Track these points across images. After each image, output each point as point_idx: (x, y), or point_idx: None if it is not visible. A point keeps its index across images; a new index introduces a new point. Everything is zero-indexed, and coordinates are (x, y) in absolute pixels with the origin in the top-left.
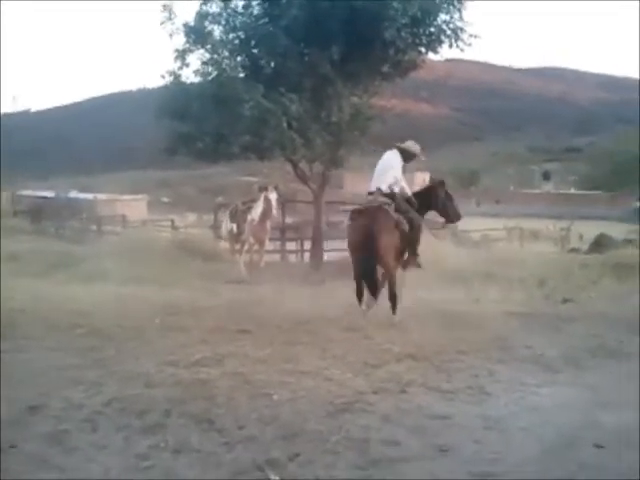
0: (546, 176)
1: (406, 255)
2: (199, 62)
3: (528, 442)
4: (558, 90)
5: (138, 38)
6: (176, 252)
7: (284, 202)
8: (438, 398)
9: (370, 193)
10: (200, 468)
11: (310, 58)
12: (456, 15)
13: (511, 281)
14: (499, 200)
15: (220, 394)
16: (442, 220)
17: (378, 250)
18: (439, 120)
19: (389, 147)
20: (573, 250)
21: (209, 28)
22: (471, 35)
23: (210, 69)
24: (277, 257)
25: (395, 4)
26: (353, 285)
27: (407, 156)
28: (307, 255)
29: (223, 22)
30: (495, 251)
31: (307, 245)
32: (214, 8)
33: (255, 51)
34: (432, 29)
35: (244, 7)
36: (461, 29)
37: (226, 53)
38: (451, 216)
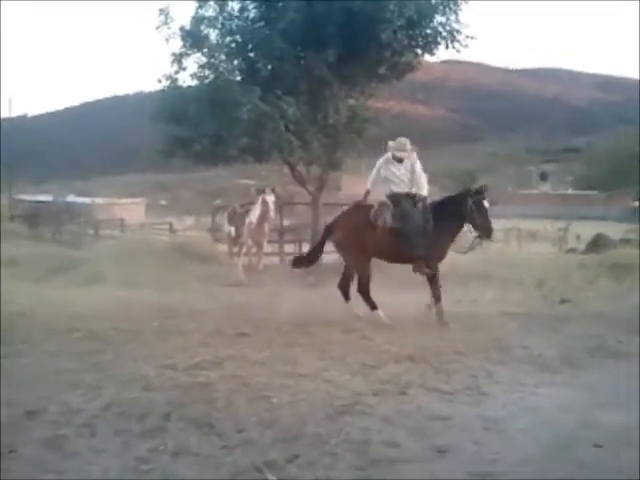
0: (543, 177)
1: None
2: (196, 66)
3: (527, 442)
4: (555, 91)
5: (134, 42)
6: (174, 255)
7: (282, 204)
8: (437, 399)
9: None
10: (199, 471)
11: (306, 61)
12: (452, 17)
13: (509, 282)
14: (496, 200)
15: (219, 397)
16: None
17: (336, 246)
18: (436, 121)
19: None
20: (571, 250)
21: (205, 32)
22: (467, 36)
23: (207, 72)
24: (275, 260)
25: (391, 6)
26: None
27: (395, 156)
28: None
29: (219, 26)
30: (493, 252)
31: (305, 247)
32: (210, 12)
33: (252, 54)
34: (428, 31)
35: (240, 10)
36: (457, 31)
37: (223, 57)
38: (480, 230)
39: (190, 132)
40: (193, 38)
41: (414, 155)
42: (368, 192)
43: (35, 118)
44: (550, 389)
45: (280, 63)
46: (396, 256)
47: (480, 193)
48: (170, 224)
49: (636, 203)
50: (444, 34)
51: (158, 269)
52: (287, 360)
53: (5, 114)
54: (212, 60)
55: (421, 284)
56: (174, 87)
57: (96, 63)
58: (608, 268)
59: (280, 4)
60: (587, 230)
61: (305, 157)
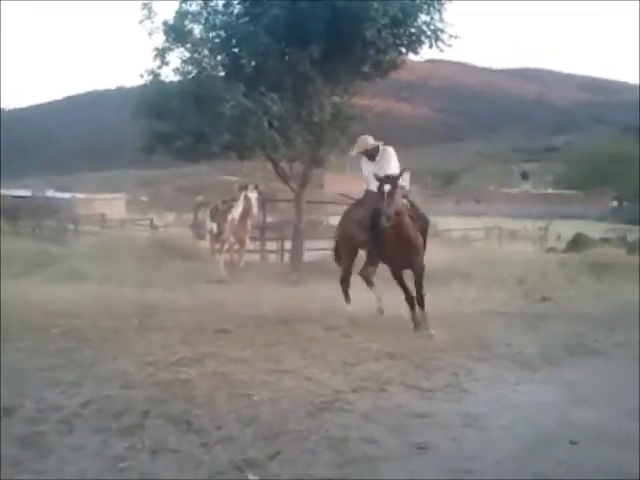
0: (524, 176)
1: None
2: (179, 61)
3: (506, 439)
4: (537, 91)
5: (117, 36)
6: (155, 251)
7: (264, 201)
8: (417, 396)
9: None
10: (178, 469)
11: (291, 57)
12: (436, 16)
13: (490, 280)
14: (478, 199)
15: (200, 394)
16: None
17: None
18: (419, 120)
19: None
20: (551, 249)
21: (189, 27)
22: (451, 36)
23: (190, 68)
24: (257, 257)
25: (376, 4)
26: (332, 284)
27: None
28: (287, 255)
29: (203, 21)
30: (475, 250)
31: (287, 245)
32: (194, 7)
33: (236, 50)
34: (412, 30)
35: (224, 6)
36: (441, 30)
37: (206, 52)
38: None
39: (172, 128)
40: (176, 33)
41: (386, 152)
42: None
43: (14, 112)
44: (530, 386)
45: (264, 59)
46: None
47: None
48: (151, 220)
49: (614, 203)
50: (428, 33)
51: (139, 265)
52: (268, 357)
53: None
54: (195, 55)
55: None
56: (156, 82)
57: (78, 57)
58: (588, 267)
59: (265, 0)
60: (567, 229)
61: (288, 154)
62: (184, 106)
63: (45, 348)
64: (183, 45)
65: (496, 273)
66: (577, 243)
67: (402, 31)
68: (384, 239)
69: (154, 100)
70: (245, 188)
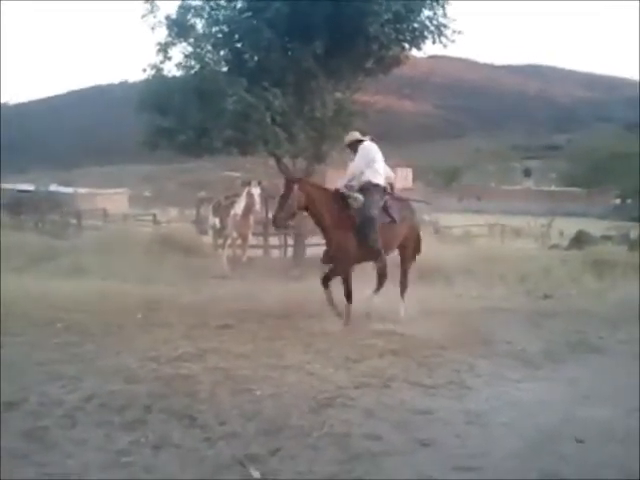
0: (527, 173)
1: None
2: (181, 55)
3: (509, 436)
4: (539, 88)
5: (119, 31)
6: (158, 247)
7: (267, 197)
8: (420, 393)
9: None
10: (181, 464)
11: (294, 53)
12: (439, 11)
13: (492, 277)
14: (480, 196)
15: (202, 389)
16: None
17: None
18: (421, 117)
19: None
20: (553, 246)
21: (192, 21)
22: (454, 31)
23: (192, 63)
24: (260, 252)
25: None
26: (336, 280)
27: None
28: (290, 250)
29: (206, 15)
30: (476, 247)
31: (290, 240)
32: (197, 1)
33: (238, 45)
34: (415, 25)
35: (227, 0)
36: (444, 25)
37: (209, 47)
38: None
39: (174, 123)
40: (179, 27)
41: (361, 148)
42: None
43: (18, 107)
44: (532, 383)
45: (267, 54)
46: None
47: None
48: (154, 215)
49: (617, 200)
50: (431, 28)
51: (141, 260)
52: (271, 353)
53: None
54: (198, 50)
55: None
56: (159, 77)
57: (81, 52)
58: (590, 264)
59: None
60: (569, 227)
61: (291, 150)
62: (187, 101)
63: (48, 342)
64: (186, 40)
65: (498, 270)
66: (579, 240)
67: (405, 26)
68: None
69: (157, 95)
70: (248, 184)
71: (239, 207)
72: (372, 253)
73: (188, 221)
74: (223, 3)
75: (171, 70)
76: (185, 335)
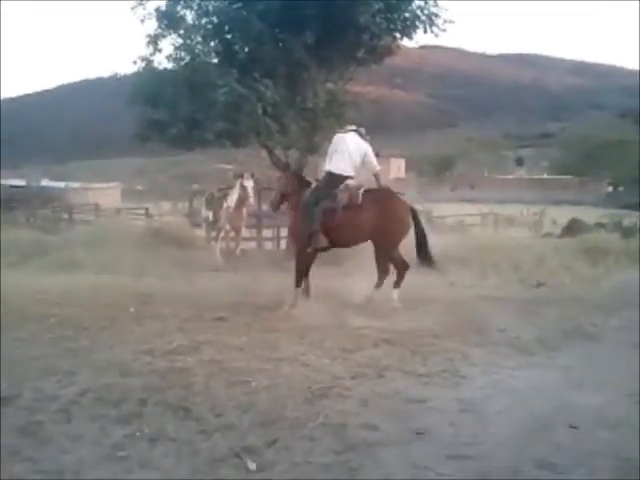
0: (519, 162)
1: None
2: (172, 47)
3: (504, 424)
4: (531, 77)
5: (109, 24)
6: (151, 240)
7: (260, 189)
8: (414, 382)
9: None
10: (177, 457)
11: (284, 43)
12: (431, 1)
13: (485, 266)
14: (473, 185)
15: (197, 382)
16: None
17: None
18: (413, 106)
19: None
20: (546, 235)
21: (181, 13)
22: (446, 20)
23: (183, 54)
24: (253, 244)
25: None
26: (329, 271)
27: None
28: (283, 242)
29: (195, 7)
30: (470, 236)
31: (283, 232)
32: None
33: (229, 36)
34: (407, 14)
35: None
36: (436, 15)
37: (199, 38)
38: None
39: (166, 115)
40: (169, 19)
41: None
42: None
43: (8, 101)
44: (526, 371)
45: (257, 45)
46: None
47: None
48: (146, 209)
49: (609, 188)
50: (423, 18)
51: (134, 254)
52: (265, 344)
53: None
54: (188, 42)
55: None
56: (149, 69)
57: (69, 46)
58: (583, 252)
59: None
60: (562, 215)
61: (283, 141)
62: (177, 93)
63: (41, 337)
64: (176, 31)
65: (491, 259)
66: (572, 228)
67: (396, 16)
68: None
69: (148, 87)
70: (240, 176)
71: (232, 200)
72: (312, 237)
73: (181, 214)
74: None
75: (161, 62)
76: (179, 328)
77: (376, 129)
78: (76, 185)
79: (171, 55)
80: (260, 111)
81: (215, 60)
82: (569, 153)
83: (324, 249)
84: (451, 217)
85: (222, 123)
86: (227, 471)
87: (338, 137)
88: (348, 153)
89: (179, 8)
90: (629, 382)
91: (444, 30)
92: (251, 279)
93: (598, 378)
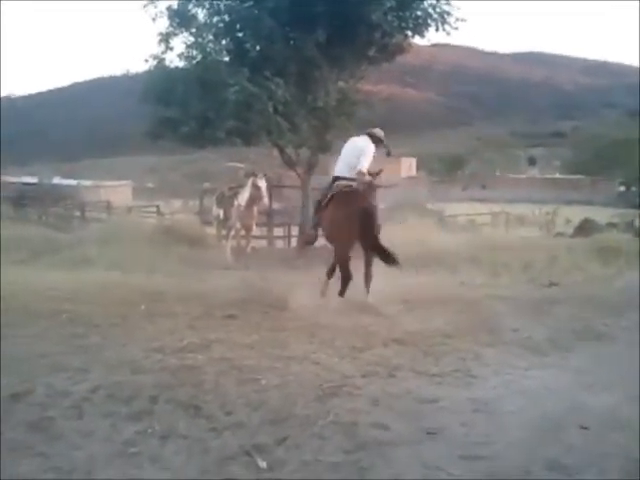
0: (531, 161)
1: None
2: (183, 46)
3: (516, 425)
4: (542, 75)
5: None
6: (162, 238)
7: (271, 188)
8: (426, 382)
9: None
10: (187, 454)
11: (296, 41)
12: None
13: (497, 265)
14: (485, 185)
15: (207, 380)
16: None
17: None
18: (425, 105)
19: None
20: (559, 234)
21: (193, 11)
22: (457, 19)
23: (194, 53)
24: (264, 242)
25: None
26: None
27: (375, 141)
28: (294, 241)
29: (207, 5)
30: (481, 236)
31: (294, 231)
32: None
33: (240, 34)
34: (419, 12)
35: None
36: (447, 13)
37: (210, 36)
38: None
39: (177, 113)
40: (180, 17)
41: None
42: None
43: (21, 99)
44: (538, 371)
45: (269, 43)
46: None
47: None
48: (157, 207)
49: (621, 188)
50: (434, 16)
51: (146, 252)
52: (275, 343)
53: None
54: (200, 40)
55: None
56: (161, 67)
57: (82, 44)
58: (595, 252)
59: None
60: (574, 214)
61: (294, 140)
62: (189, 91)
63: (52, 334)
64: (187, 30)
65: (503, 258)
66: (584, 228)
67: (408, 14)
68: None
69: (159, 86)
70: (252, 175)
71: (243, 198)
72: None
73: (192, 212)
74: None
75: (173, 60)
76: (190, 326)
77: (387, 128)
78: (88, 183)
79: (183, 53)
80: (271, 110)
81: (226, 58)
82: (581, 152)
83: (310, 243)
84: (462, 216)
85: (233, 122)
86: (237, 469)
87: (349, 141)
88: (344, 155)
89: (191, 6)
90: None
91: (456, 28)
92: (261, 277)
93: (610, 379)
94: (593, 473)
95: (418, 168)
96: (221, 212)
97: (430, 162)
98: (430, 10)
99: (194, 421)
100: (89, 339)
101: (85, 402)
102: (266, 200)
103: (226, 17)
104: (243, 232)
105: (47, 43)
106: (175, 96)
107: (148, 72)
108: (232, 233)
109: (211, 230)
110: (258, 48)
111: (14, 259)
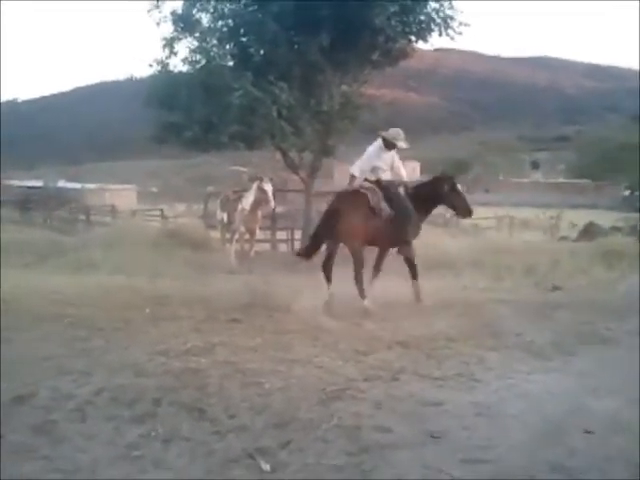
0: (535, 165)
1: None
2: (187, 50)
3: (519, 428)
4: (546, 79)
5: (125, 27)
6: (166, 242)
7: (274, 191)
8: (429, 385)
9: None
10: (190, 457)
11: (300, 46)
12: (446, 3)
13: (500, 269)
14: (488, 189)
15: (211, 383)
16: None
17: (339, 233)
18: (428, 109)
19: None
20: (563, 238)
21: (197, 16)
22: (461, 23)
23: (198, 57)
24: (268, 246)
25: None
26: (342, 274)
27: (388, 144)
28: (297, 244)
29: (211, 9)
30: (485, 239)
31: (297, 234)
32: None
33: (244, 39)
34: (422, 17)
35: None
36: (451, 17)
37: (214, 41)
38: (459, 210)
39: (181, 118)
40: (184, 22)
41: None
42: (354, 178)
43: (26, 103)
44: (542, 375)
45: (273, 47)
46: (390, 242)
47: (452, 178)
48: (161, 210)
49: (626, 192)
50: (438, 21)
51: (150, 255)
52: (279, 346)
53: None
54: (204, 44)
55: (403, 269)
56: (165, 72)
57: (86, 48)
58: (600, 256)
59: None
60: (578, 218)
61: (298, 143)
62: (193, 96)
63: (57, 338)
64: (191, 34)
65: (506, 261)
66: (589, 232)
67: (411, 19)
68: None
69: (163, 90)
70: (256, 178)
71: (247, 202)
72: None
73: (196, 216)
74: None
75: (177, 65)
76: (194, 329)
77: None
78: (93, 186)
79: (187, 58)
80: (275, 114)
81: (230, 63)
82: (585, 156)
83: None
84: (466, 220)
85: (237, 126)
86: (240, 472)
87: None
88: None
89: (195, 11)
90: None
91: (459, 33)
92: (265, 281)
93: (613, 382)
94: (595, 476)
95: (422, 172)
96: (225, 216)
97: (433, 166)
98: (433, 15)
99: (197, 424)
100: (93, 342)
101: (88, 405)
102: (272, 204)
103: (230, 22)
104: (247, 236)
105: (51, 48)
106: (179, 100)
107: (152, 76)
108: (236, 237)
109: (215, 234)
110: (262, 52)
111: (20, 262)
